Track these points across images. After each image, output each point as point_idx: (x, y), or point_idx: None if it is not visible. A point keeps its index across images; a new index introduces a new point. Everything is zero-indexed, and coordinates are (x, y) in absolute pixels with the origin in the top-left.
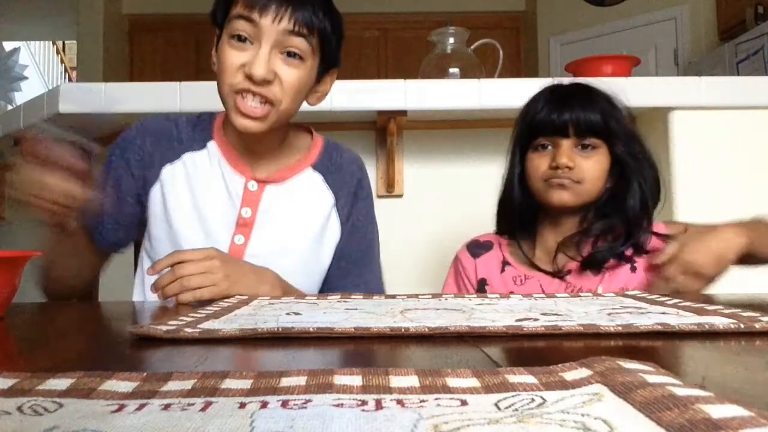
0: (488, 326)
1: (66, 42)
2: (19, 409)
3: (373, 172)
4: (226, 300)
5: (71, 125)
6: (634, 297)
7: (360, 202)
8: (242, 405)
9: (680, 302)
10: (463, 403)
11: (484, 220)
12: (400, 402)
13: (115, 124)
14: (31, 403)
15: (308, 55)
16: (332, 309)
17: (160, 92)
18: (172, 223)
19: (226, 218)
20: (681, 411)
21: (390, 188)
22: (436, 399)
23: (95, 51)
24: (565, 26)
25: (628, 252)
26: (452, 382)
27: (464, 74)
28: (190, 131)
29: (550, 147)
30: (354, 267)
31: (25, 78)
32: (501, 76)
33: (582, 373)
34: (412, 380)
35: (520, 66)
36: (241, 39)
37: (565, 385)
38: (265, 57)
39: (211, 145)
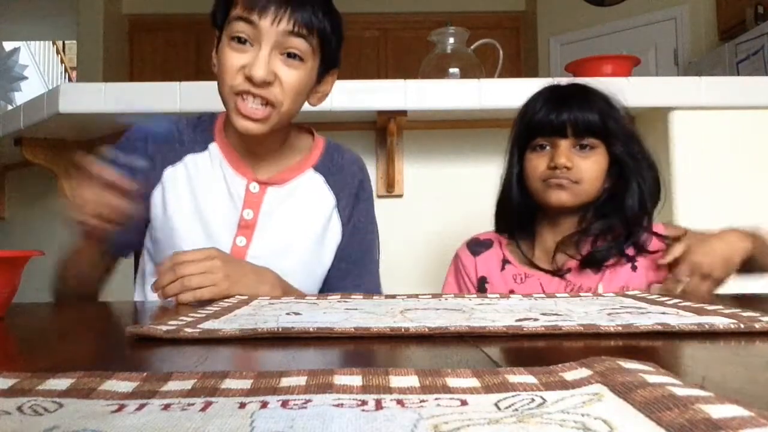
0: (488, 326)
1: (66, 42)
2: (19, 409)
3: (373, 172)
4: (226, 300)
5: (73, 126)
6: (634, 297)
7: (361, 204)
8: (242, 405)
9: (680, 302)
10: (463, 403)
11: (483, 220)
12: (400, 402)
13: (115, 124)
14: (31, 403)
15: (308, 56)
16: (332, 309)
17: (160, 92)
18: (174, 225)
19: (228, 220)
20: (681, 411)
21: (390, 188)
22: (436, 399)
23: (95, 51)
24: (565, 26)
25: (630, 251)
26: (452, 382)
27: (464, 74)
28: (190, 133)
29: (548, 147)
30: (353, 268)
31: (25, 78)
32: (501, 76)
33: (582, 373)
34: (412, 380)
35: (520, 66)
36: (240, 41)
37: (565, 385)
38: (265, 58)
39: (213, 146)
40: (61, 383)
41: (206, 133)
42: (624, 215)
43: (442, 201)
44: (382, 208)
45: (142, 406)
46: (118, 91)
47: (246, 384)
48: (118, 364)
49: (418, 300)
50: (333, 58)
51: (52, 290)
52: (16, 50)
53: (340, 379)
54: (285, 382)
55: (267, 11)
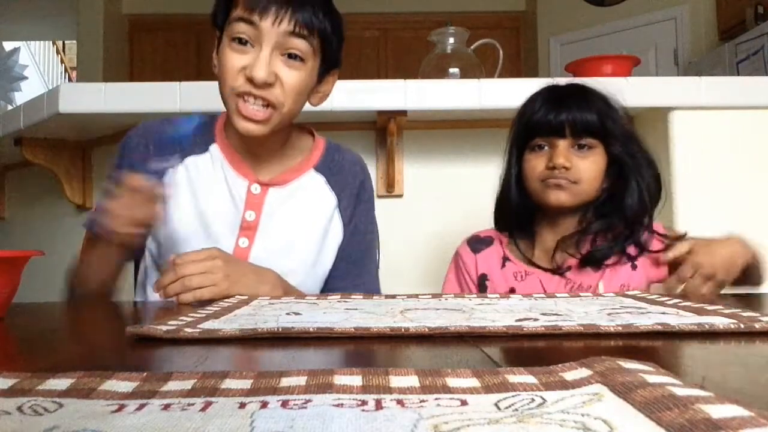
0: (488, 326)
1: (66, 42)
2: (19, 409)
3: (373, 172)
4: (226, 300)
5: (73, 126)
6: (634, 297)
7: (362, 204)
8: (242, 405)
9: (680, 302)
10: (463, 403)
11: (483, 220)
12: (400, 402)
13: (115, 124)
14: (31, 403)
15: (309, 57)
16: (332, 309)
17: (160, 92)
18: (176, 227)
19: (230, 221)
20: (681, 411)
21: (390, 188)
22: (436, 399)
23: (95, 51)
24: (565, 26)
25: (631, 250)
26: (452, 382)
27: (464, 74)
28: (190, 134)
29: (546, 147)
30: (353, 268)
31: (25, 78)
32: (501, 76)
33: (582, 373)
34: (412, 380)
35: (520, 66)
36: (241, 41)
37: (565, 385)
38: (266, 59)
39: (214, 148)
40: (61, 383)
41: (206, 134)
42: (624, 215)
43: (442, 201)
44: (382, 208)
45: (142, 406)
46: (118, 91)
47: (246, 384)
48: (118, 364)
49: (418, 300)
50: (334, 59)
51: (67, 293)
52: (16, 50)
53: (340, 379)
54: (285, 382)
55: (268, 12)
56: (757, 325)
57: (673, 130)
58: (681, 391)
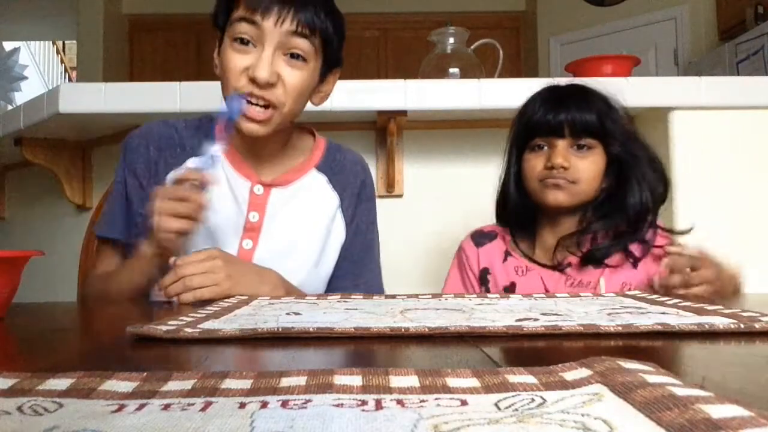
0: (488, 326)
1: (66, 42)
2: (19, 409)
3: (373, 172)
4: (226, 300)
5: (73, 126)
6: (634, 297)
7: (363, 203)
8: (242, 405)
9: (680, 302)
10: (463, 403)
11: (483, 220)
12: (400, 402)
13: (115, 124)
14: (31, 403)
15: (311, 57)
16: (332, 309)
17: (160, 92)
18: None
19: (233, 223)
20: (681, 411)
21: (390, 188)
22: (436, 399)
23: (95, 51)
24: (565, 26)
25: (634, 248)
26: (452, 382)
27: (464, 74)
28: (191, 136)
29: (546, 147)
30: (355, 267)
31: (25, 78)
32: (501, 76)
33: (582, 373)
34: (412, 380)
35: (520, 66)
36: (243, 42)
37: (565, 385)
38: (269, 59)
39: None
40: (61, 383)
41: (208, 135)
42: (626, 214)
43: (442, 201)
44: (382, 208)
45: (142, 406)
46: (118, 91)
47: (246, 384)
48: (118, 364)
49: (418, 300)
50: (335, 58)
51: (89, 296)
52: (16, 50)
53: (340, 379)
54: (285, 382)
55: (270, 12)
56: (757, 325)
57: (673, 130)
58: (681, 391)
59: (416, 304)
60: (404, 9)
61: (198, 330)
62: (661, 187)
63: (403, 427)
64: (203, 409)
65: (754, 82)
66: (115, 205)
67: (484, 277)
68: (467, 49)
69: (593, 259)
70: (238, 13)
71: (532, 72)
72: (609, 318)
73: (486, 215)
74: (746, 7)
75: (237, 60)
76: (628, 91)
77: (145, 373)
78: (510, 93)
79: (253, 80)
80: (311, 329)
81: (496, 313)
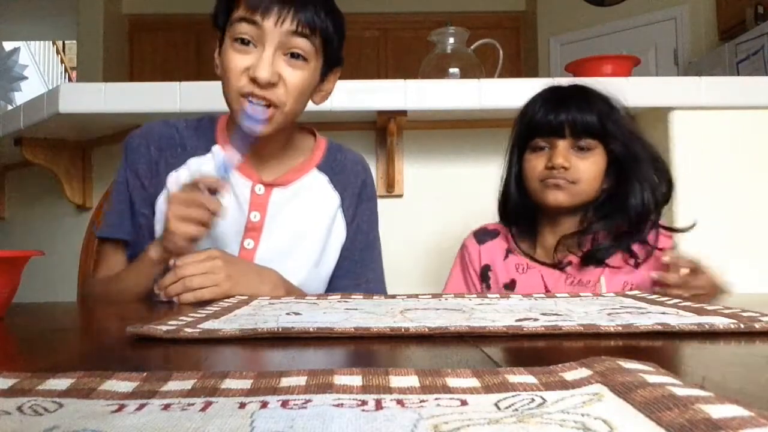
0: (488, 326)
1: (66, 42)
2: (19, 409)
3: (373, 172)
4: (226, 300)
5: (73, 126)
6: (634, 297)
7: (364, 203)
8: (242, 405)
9: (680, 302)
10: (463, 403)
11: (484, 220)
12: (400, 402)
13: (115, 124)
14: (31, 403)
15: (312, 56)
16: (332, 309)
17: (160, 92)
18: None
19: (235, 223)
20: (681, 411)
21: (390, 188)
22: (436, 399)
23: (95, 51)
24: (565, 26)
25: (636, 248)
26: (452, 382)
27: (464, 74)
28: (192, 136)
29: (547, 148)
30: (356, 267)
31: (25, 78)
32: (501, 76)
33: (582, 373)
34: (412, 380)
35: (520, 66)
36: (244, 42)
37: (565, 385)
38: (269, 59)
39: (216, 149)
40: (61, 383)
41: (208, 135)
42: (627, 215)
43: (442, 201)
44: (382, 208)
45: (142, 406)
46: (118, 91)
47: (246, 384)
48: (118, 364)
49: (418, 300)
50: (336, 57)
51: (86, 297)
52: (16, 50)
53: (340, 379)
54: (285, 382)
55: (270, 12)
56: (757, 325)
57: (673, 130)
58: (681, 391)
59: (416, 304)
60: (404, 9)
61: (198, 330)
62: (664, 188)
63: (403, 427)
64: (203, 409)
65: (754, 82)
66: (118, 206)
67: (485, 274)
68: (467, 49)
69: (594, 259)
70: (238, 13)
71: (532, 72)
72: (609, 318)
73: (486, 215)
74: (746, 7)
75: (238, 60)
76: (628, 91)
77: (145, 373)
78: (510, 93)
79: (254, 80)
80: (311, 329)
81: (496, 313)
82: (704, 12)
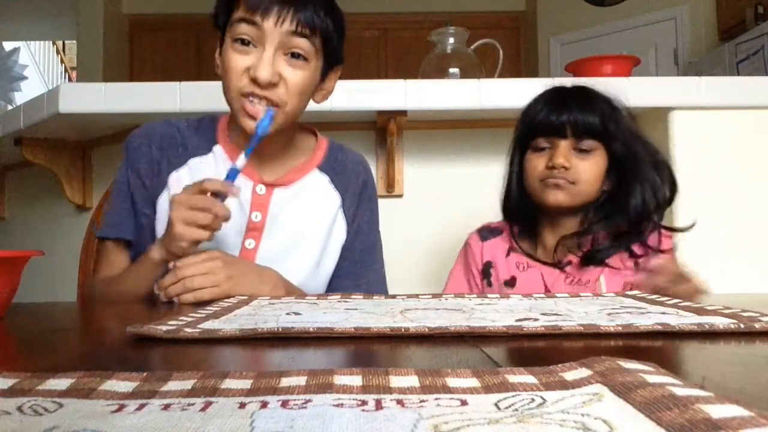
0: (488, 326)
1: (66, 42)
2: (19, 409)
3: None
4: (226, 300)
5: (73, 126)
6: (634, 297)
7: (365, 203)
8: (242, 405)
9: (680, 302)
10: (463, 403)
11: (484, 220)
12: (400, 402)
13: (115, 124)
14: (31, 403)
15: (312, 56)
16: (332, 309)
17: (160, 92)
18: None
19: (236, 223)
20: (681, 411)
21: (390, 188)
22: (436, 399)
23: (95, 51)
24: (565, 26)
25: (637, 248)
26: (452, 382)
27: (464, 74)
28: (193, 136)
29: (548, 148)
30: (356, 267)
31: (25, 78)
32: (501, 76)
33: (582, 373)
34: (412, 380)
35: (520, 66)
36: (244, 42)
37: (565, 385)
38: (270, 59)
39: (217, 149)
40: (61, 383)
41: (209, 135)
42: (628, 215)
43: (442, 201)
44: (382, 208)
45: (142, 406)
46: (118, 91)
47: (246, 384)
48: (118, 364)
49: (418, 300)
50: (336, 56)
51: (87, 300)
52: (16, 50)
53: (340, 379)
54: (285, 382)
55: (270, 12)
56: (757, 325)
57: (673, 130)
58: (681, 391)
59: (416, 304)
60: (404, 9)
61: (198, 330)
62: (666, 190)
63: (403, 427)
64: (203, 409)
65: (754, 82)
66: (118, 205)
67: (486, 271)
68: (467, 49)
69: (593, 259)
70: (238, 13)
71: (532, 72)
72: (609, 318)
73: (486, 215)
74: (746, 7)
75: (238, 60)
76: (628, 91)
77: (145, 373)
78: (510, 93)
79: (254, 80)
80: (311, 329)
81: (496, 313)
82: (704, 12)
